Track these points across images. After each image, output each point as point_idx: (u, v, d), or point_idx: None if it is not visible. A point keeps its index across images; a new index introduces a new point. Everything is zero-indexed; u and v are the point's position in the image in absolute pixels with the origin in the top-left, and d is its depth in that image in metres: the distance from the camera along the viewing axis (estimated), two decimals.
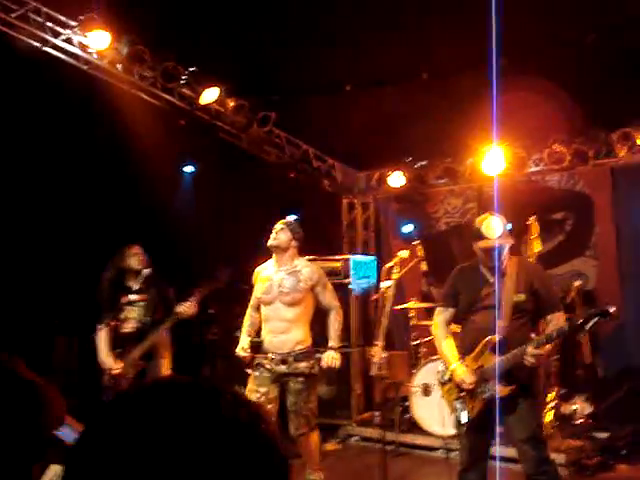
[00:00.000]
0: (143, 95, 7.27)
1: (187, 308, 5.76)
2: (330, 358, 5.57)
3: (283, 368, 5.47)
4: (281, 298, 5.49)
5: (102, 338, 5.88)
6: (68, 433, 1.83)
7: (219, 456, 0.83)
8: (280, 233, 5.54)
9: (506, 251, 4.69)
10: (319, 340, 7.24)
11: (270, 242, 5.56)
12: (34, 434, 1.41)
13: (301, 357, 5.47)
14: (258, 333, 5.78)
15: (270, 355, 5.52)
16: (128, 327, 5.91)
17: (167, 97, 7.39)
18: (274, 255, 5.65)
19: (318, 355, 5.67)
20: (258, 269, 5.79)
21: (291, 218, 5.77)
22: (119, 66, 6.91)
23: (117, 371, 5.76)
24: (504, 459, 6.88)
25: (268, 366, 5.50)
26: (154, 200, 8.61)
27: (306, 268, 5.58)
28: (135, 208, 8.41)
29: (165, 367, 5.92)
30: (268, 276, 5.62)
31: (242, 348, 5.60)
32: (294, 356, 5.46)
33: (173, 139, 8.03)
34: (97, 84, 6.91)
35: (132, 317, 5.91)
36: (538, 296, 4.65)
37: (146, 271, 5.94)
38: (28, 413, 1.41)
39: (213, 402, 0.88)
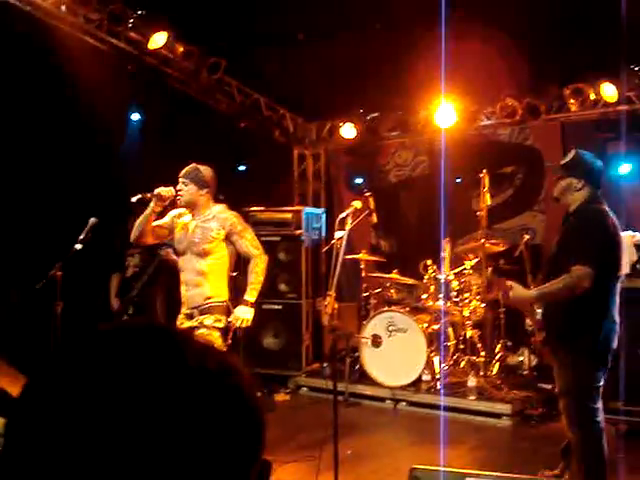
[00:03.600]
0: (88, 39, 7.02)
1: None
2: (239, 316, 5.08)
3: (188, 324, 5.05)
4: (192, 248, 5.09)
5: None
6: None
7: (182, 408, 0.74)
8: (183, 188, 5.09)
9: None
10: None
11: (178, 202, 5.11)
12: None
13: (208, 310, 5.02)
14: None
15: (183, 311, 5.16)
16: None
17: (114, 41, 7.15)
18: (188, 210, 5.21)
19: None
20: (175, 212, 5.29)
21: (188, 167, 5.15)
22: (63, 7, 6.64)
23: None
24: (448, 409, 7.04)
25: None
26: (100, 148, 8.38)
27: (221, 214, 5.16)
28: (80, 155, 8.18)
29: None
30: (185, 223, 5.20)
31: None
32: (201, 310, 5.03)
33: (120, 86, 7.79)
34: (40, 26, 6.63)
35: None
36: None
37: None
38: None
39: (179, 350, 0.79)
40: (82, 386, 0.74)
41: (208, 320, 4.99)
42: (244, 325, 5.13)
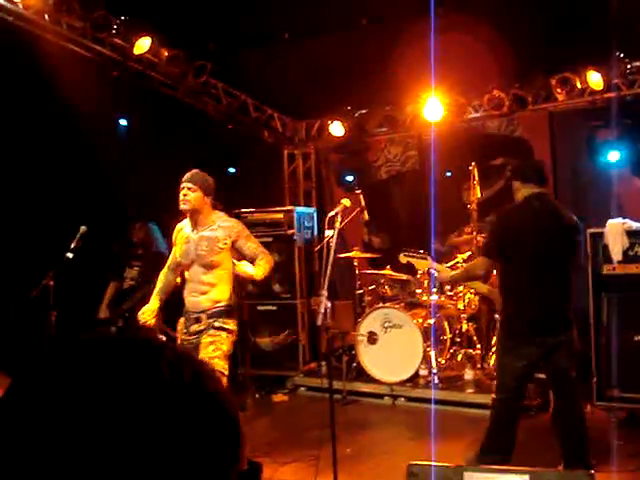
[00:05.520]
0: (73, 46, 6.99)
1: None
2: (242, 266, 5.05)
3: (196, 327, 5.03)
4: (199, 261, 5.04)
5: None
6: None
7: (157, 419, 0.75)
8: (190, 194, 4.97)
9: None
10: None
11: (182, 206, 5.00)
12: None
13: (217, 314, 5.01)
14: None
15: (185, 316, 5.13)
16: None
17: (98, 48, 7.13)
18: (189, 217, 5.13)
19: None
20: (179, 226, 5.28)
21: (194, 171, 5.04)
22: (46, 16, 6.62)
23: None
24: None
25: (183, 335, 5.11)
26: (89, 155, 8.36)
27: (225, 223, 5.11)
28: (70, 163, 8.16)
29: None
30: (187, 236, 5.14)
31: (143, 312, 5.17)
32: (209, 314, 5.01)
33: (106, 92, 7.77)
34: (23, 36, 6.60)
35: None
36: None
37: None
38: None
39: (152, 360, 0.79)
40: (53, 395, 0.75)
41: (217, 322, 5.00)
42: (242, 274, 5.09)
